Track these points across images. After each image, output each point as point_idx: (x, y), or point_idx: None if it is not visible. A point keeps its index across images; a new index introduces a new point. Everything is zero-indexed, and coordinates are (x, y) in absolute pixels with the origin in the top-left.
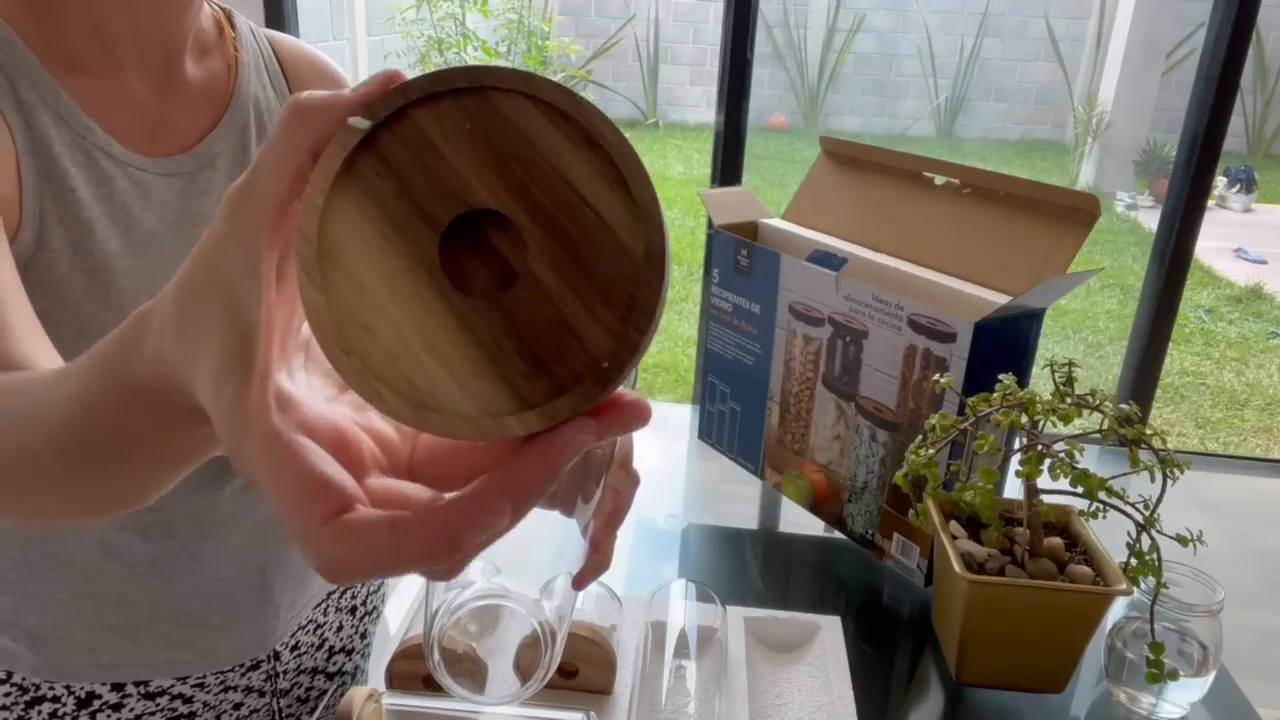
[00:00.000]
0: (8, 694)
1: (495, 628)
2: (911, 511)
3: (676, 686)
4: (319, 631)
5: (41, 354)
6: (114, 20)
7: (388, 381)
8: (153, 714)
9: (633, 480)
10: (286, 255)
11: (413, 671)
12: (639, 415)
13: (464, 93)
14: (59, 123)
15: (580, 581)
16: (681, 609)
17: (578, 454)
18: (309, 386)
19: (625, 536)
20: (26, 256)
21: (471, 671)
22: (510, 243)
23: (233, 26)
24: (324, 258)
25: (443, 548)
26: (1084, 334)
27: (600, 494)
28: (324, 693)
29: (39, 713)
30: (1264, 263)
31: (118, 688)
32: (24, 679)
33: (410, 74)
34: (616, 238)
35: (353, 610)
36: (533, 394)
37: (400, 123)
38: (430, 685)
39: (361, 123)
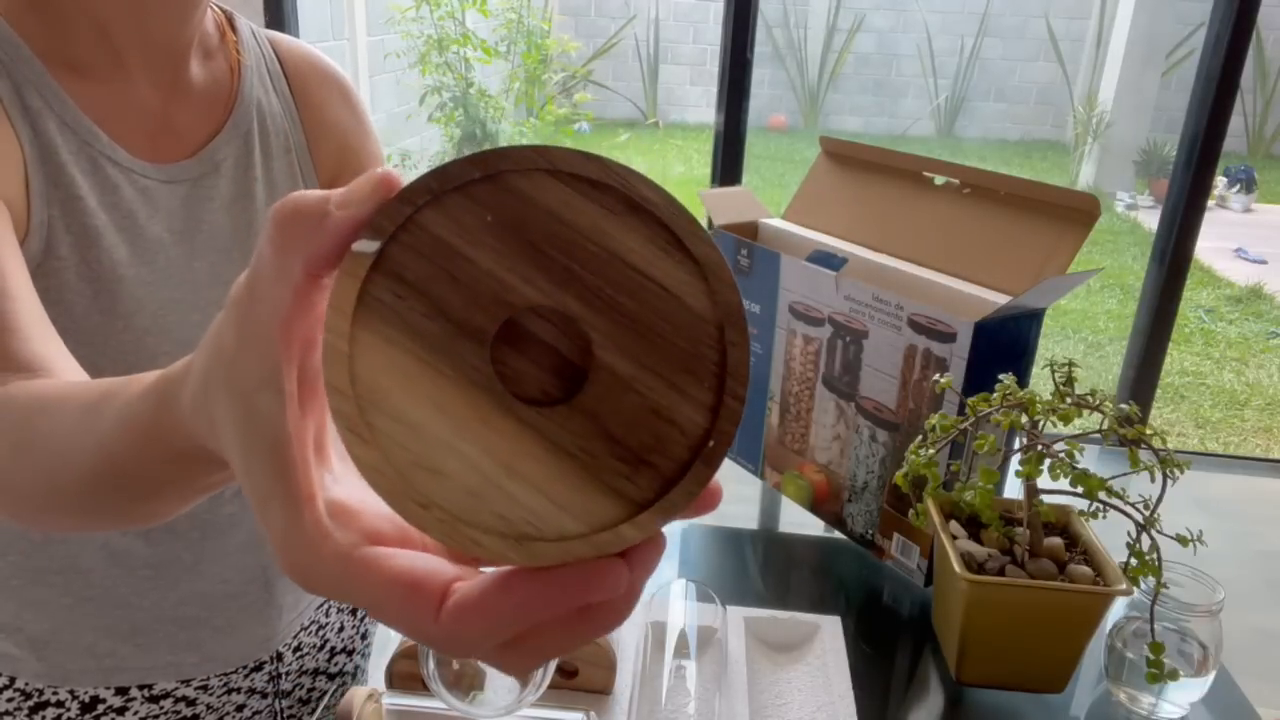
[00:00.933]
0: (10, 699)
1: None
2: (911, 511)
3: (676, 686)
4: (321, 632)
5: (53, 353)
6: (122, 23)
7: (479, 524)
8: (156, 717)
9: None
10: (306, 359)
11: (413, 671)
12: (718, 495)
13: (475, 184)
14: (64, 129)
15: None
16: (681, 609)
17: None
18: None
19: None
20: (34, 264)
21: (471, 679)
22: (566, 335)
23: (234, 29)
24: (365, 407)
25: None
26: (1084, 334)
27: None
28: (325, 693)
29: (43, 718)
30: (1264, 263)
31: (121, 691)
32: (27, 684)
33: (410, 73)
34: (685, 304)
35: (354, 611)
36: (640, 493)
37: (409, 233)
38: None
39: (368, 245)
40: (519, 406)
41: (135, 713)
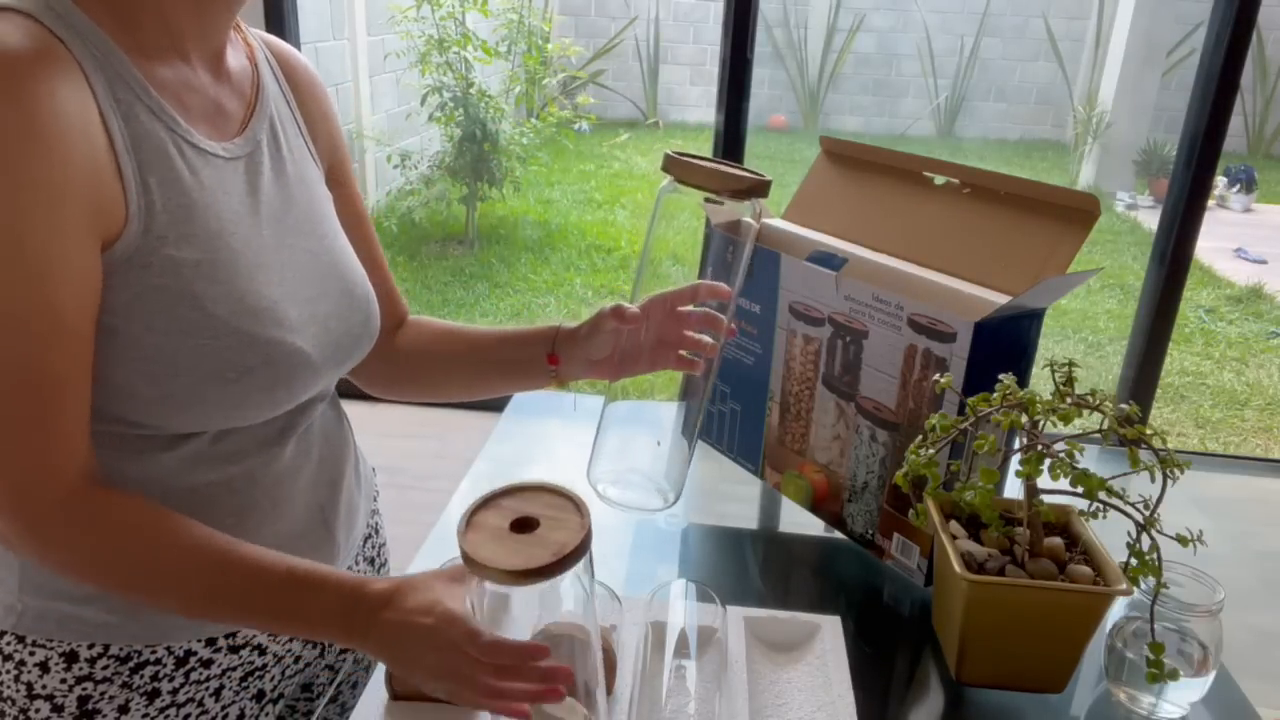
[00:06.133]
0: (106, 666)
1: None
2: (911, 511)
3: (676, 686)
4: None
5: (82, 452)
6: (181, 15)
7: None
8: (235, 668)
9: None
10: None
11: None
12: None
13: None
14: (152, 116)
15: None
16: (681, 609)
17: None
18: None
19: (625, 536)
20: (133, 247)
21: None
22: None
23: (239, 28)
24: None
25: None
26: (1084, 334)
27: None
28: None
29: (141, 676)
30: (1264, 263)
31: (210, 642)
32: (121, 648)
33: (410, 73)
34: None
35: (371, 560)
36: None
37: None
38: None
39: None
40: None
41: (219, 665)
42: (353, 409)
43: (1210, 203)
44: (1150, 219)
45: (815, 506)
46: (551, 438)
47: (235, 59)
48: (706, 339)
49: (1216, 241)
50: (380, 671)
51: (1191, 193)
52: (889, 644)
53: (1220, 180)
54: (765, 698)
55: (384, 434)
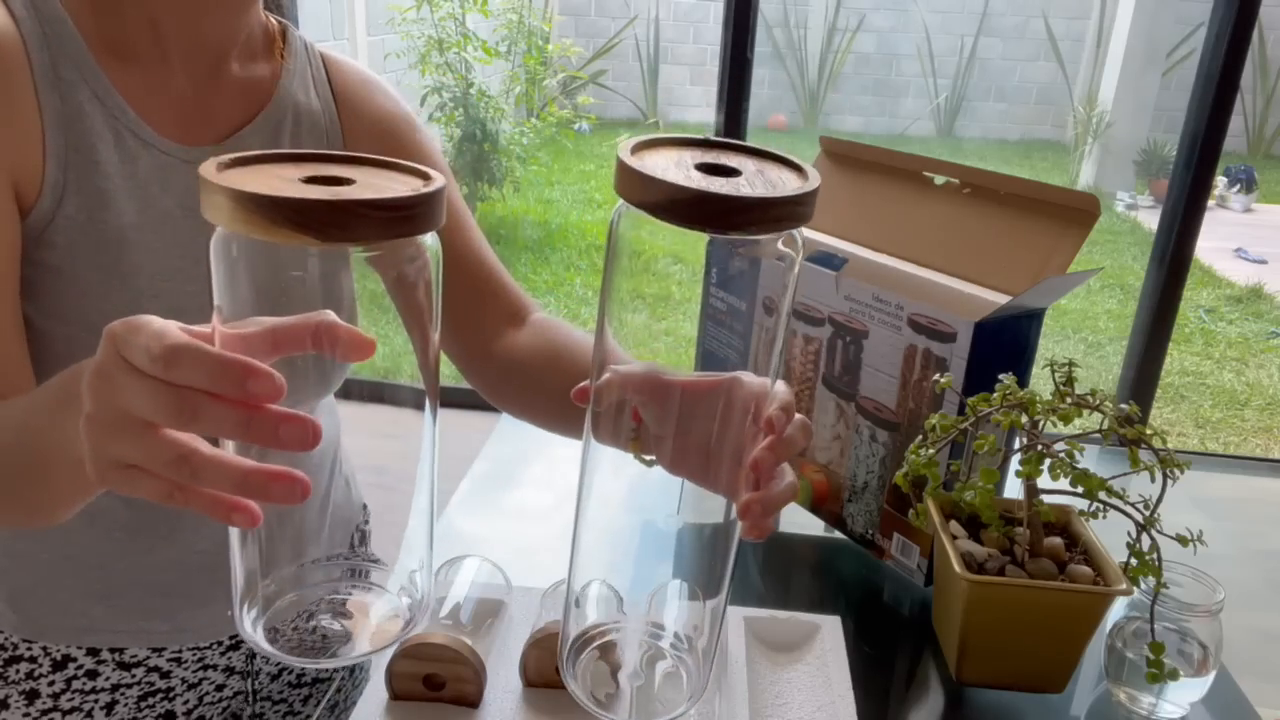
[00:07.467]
0: None
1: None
2: (911, 511)
3: None
4: None
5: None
6: (173, 20)
7: None
8: (129, 685)
9: (798, 425)
10: None
11: (413, 671)
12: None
13: None
14: (94, 101)
15: (746, 512)
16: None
17: None
18: None
19: (627, 537)
20: (45, 221)
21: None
22: None
23: (284, 40)
24: None
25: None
26: (1084, 334)
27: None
28: (319, 680)
29: (16, 671)
30: (1264, 263)
31: (93, 652)
32: (5, 638)
33: (410, 74)
34: None
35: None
36: None
37: None
38: (430, 685)
39: None
40: None
41: (107, 678)
42: (347, 410)
43: (1210, 203)
44: (1150, 219)
45: (815, 506)
46: (552, 438)
47: (249, 70)
48: (789, 476)
49: (1216, 241)
50: (380, 672)
51: (1191, 193)
52: (889, 644)
53: (1220, 180)
54: (765, 698)
55: (380, 434)
